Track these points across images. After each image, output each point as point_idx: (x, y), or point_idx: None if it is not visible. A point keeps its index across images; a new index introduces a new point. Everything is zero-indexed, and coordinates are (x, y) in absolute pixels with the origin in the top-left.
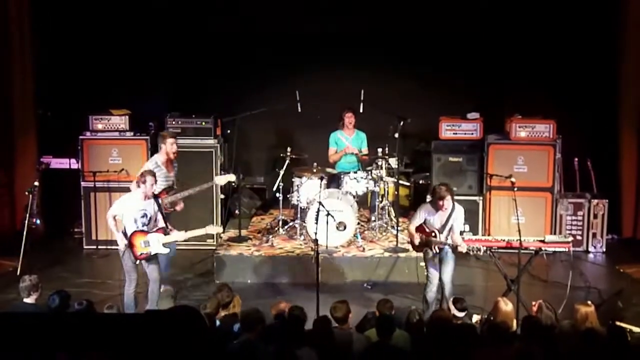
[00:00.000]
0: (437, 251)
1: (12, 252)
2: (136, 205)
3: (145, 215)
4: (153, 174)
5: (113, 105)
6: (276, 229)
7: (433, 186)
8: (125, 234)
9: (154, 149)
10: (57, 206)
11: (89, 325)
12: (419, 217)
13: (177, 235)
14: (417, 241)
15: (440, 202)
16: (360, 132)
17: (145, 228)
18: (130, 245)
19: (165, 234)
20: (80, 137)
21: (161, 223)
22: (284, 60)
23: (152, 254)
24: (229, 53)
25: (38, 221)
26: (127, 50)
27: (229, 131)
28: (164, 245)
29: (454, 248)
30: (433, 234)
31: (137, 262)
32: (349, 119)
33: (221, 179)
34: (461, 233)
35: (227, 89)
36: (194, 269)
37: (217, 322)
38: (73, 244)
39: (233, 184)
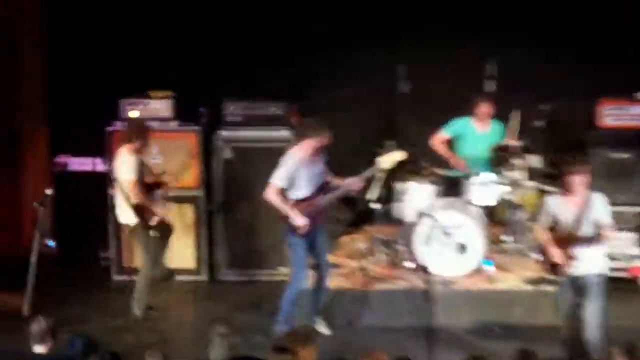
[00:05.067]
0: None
1: (17, 285)
2: None
3: None
4: None
5: (151, 87)
6: (372, 252)
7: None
8: None
9: (206, 144)
10: (76, 222)
11: None
12: (546, 214)
13: None
14: (556, 255)
15: (572, 180)
16: (498, 124)
17: None
18: None
19: None
20: (108, 128)
21: None
22: (378, 24)
23: None
24: (300, 17)
25: (51, 242)
26: (165, 18)
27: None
28: None
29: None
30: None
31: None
32: (486, 110)
33: (386, 160)
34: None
35: (300, 65)
36: (256, 304)
37: None
38: (98, 272)
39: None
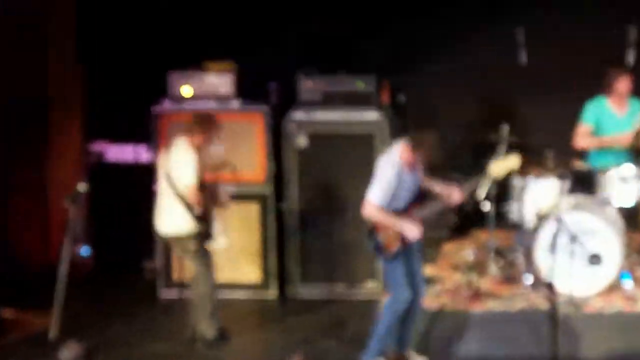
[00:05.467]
0: None
1: (44, 301)
2: None
3: None
4: None
5: (207, 57)
6: (482, 264)
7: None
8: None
9: (275, 129)
10: (116, 225)
11: None
12: None
13: None
14: None
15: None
16: (638, 102)
17: None
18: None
19: None
20: (154, 109)
21: None
22: None
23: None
24: None
25: (85, 250)
26: None
27: (403, 99)
28: None
29: None
30: None
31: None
32: (625, 86)
33: (499, 167)
34: None
35: (394, 32)
36: (338, 328)
37: None
38: (142, 286)
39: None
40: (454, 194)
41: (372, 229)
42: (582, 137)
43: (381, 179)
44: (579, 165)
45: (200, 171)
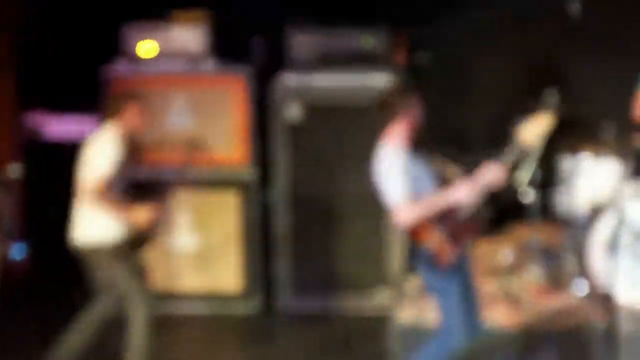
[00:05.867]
0: None
1: None
2: None
3: None
4: None
5: (174, 5)
6: (523, 267)
7: None
8: None
9: (260, 97)
10: (57, 218)
11: None
12: None
13: None
14: None
15: None
16: None
17: None
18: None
19: None
20: (105, 72)
21: None
22: None
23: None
24: None
25: (19, 250)
26: None
27: (424, 59)
28: None
29: None
30: None
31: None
32: None
33: (530, 131)
34: None
35: None
36: (340, 350)
37: None
38: (91, 294)
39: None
40: (491, 173)
41: (412, 241)
42: None
43: (392, 176)
44: None
45: (124, 165)
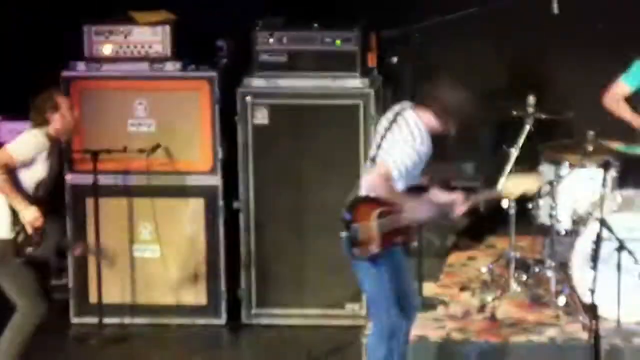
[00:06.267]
0: None
1: None
2: None
3: None
4: None
5: (135, 7)
6: (501, 280)
7: None
8: None
9: (226, 101)
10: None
11: None
12: None
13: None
14: None
15: None
16: None
17: None
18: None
19: None
20: (64, 73)
21: None
22: None
23: None
24: None
25: None
26: None
27: (395, 59)
28: None
29: None
30: None
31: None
32: None
33: (515, 185)
34: None
35: None
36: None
37: None
38: (50, 311)
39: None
40: (458, 203)
41: (351, 213)
42: (613, 98)
43: (409, 140)
44: (632, 149)
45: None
